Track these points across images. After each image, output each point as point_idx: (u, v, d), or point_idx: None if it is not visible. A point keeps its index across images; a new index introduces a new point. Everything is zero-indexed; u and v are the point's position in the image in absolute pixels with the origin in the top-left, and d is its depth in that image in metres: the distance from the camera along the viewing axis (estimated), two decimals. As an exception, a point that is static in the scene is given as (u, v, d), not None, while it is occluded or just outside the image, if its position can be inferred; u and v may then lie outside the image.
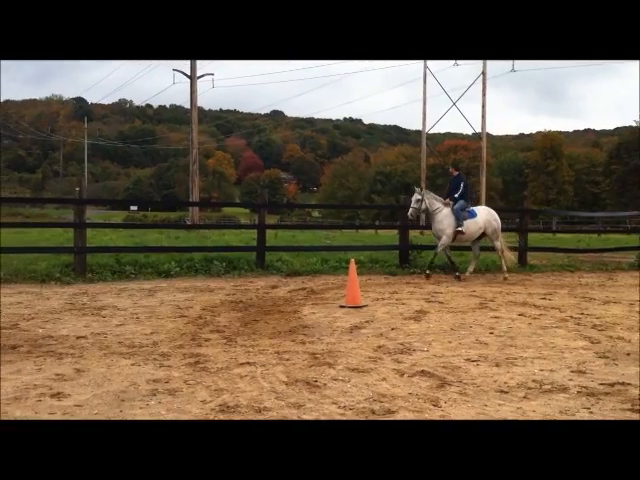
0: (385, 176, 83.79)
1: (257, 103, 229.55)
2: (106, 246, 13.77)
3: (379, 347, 5.98)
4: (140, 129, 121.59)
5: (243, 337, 6.38)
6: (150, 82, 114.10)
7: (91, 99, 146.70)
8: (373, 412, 3.98)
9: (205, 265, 11.95)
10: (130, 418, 3.88)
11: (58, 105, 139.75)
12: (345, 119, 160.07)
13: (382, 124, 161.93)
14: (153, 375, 4.88)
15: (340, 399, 4.27)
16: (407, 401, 4.25)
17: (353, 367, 5.18)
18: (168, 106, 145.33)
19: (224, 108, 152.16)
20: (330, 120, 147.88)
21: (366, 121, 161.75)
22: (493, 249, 12.73)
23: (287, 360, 5.40)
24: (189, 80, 33.36)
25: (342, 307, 8.37)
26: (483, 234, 12.52)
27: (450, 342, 6.26)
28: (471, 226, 12.25)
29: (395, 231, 22.05)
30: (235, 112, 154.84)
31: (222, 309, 8.14)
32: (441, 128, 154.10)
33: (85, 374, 4.91)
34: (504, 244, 12.73)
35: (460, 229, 12.11)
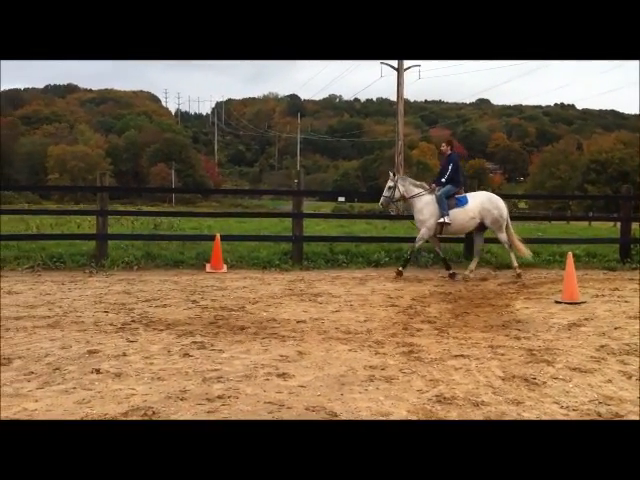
0: (600, 164, 77.80)
1: (462, 92, 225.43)
2: (321, 235, 14.43)
3: (602, 347, 5.63)
4: (348, 123, 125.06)
5: (454, 329, 6.37)
6: (358, 77, 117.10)
7: (304, 96, 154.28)
8: (599, 415, 3.78)
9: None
10: (350, 402, 4.07)
11: (274, 102, 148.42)
12: (556, 105, 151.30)
13: (597, 109, 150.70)
14: (369, 362, 5.05)
15: (562, 399, 4.11)
16: (637, 405, 3.97)
17: (574, 366, 4.94)
18: (375, 99, 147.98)
19: (429, 99, 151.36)
20: (539, 107, 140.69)
21: (579, 106, 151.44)
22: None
23: (502, 355, 5.29)
24: (396, 72, 33.68)
25: (558, 303, 8.00)
26: (482, 225, 10.56)
27: (685, 346, 5.72)
28: (459, 216, 10.37)
29: (611, 223, 20.54)
30: (440, 102, 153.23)
31: (432, 300, 8.18)
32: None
33: (307, 357, 5.21)
34: (514, 236, 10.75)
35: (444, 220, 10.27)
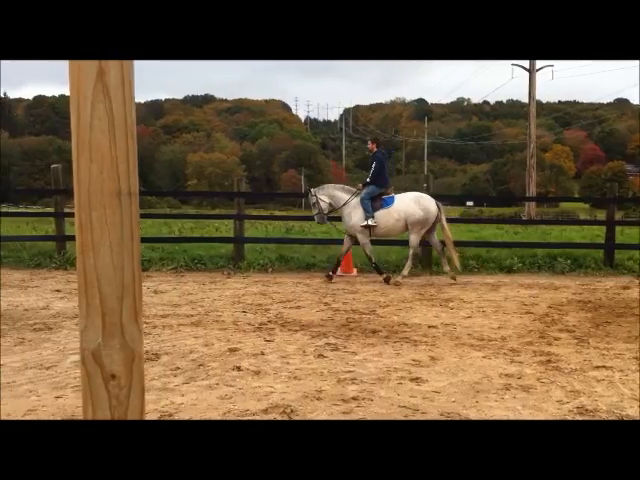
0: None
1: (599, 92, 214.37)
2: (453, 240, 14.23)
3: None
4: (476, 126, 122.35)
5: (595, 339, 6.09)
6: (487, 79, 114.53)
7: (431, 100, 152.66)
8: None
9: (548, 262, 11.60)
10: (486, 410, 4.02)
11: (401, 107, 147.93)
12: None
13: None
14: (505, 370, 4.95)
15: None
16: None
17: None
18: (505, 101, 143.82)
19: (563, 100, 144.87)
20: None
21: None
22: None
23: (649, 368, 5.01)
24: (528, 73, 32.57)
25: None
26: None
27: None
28: (384, 217, 9.88)
29: None
30: (575, 103, 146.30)
31: (569, 308, 7.86)
32: None
33: (439, 362, 5.19)
34: (450, 241, 10.04)
35: (367, 222, 9.79)
